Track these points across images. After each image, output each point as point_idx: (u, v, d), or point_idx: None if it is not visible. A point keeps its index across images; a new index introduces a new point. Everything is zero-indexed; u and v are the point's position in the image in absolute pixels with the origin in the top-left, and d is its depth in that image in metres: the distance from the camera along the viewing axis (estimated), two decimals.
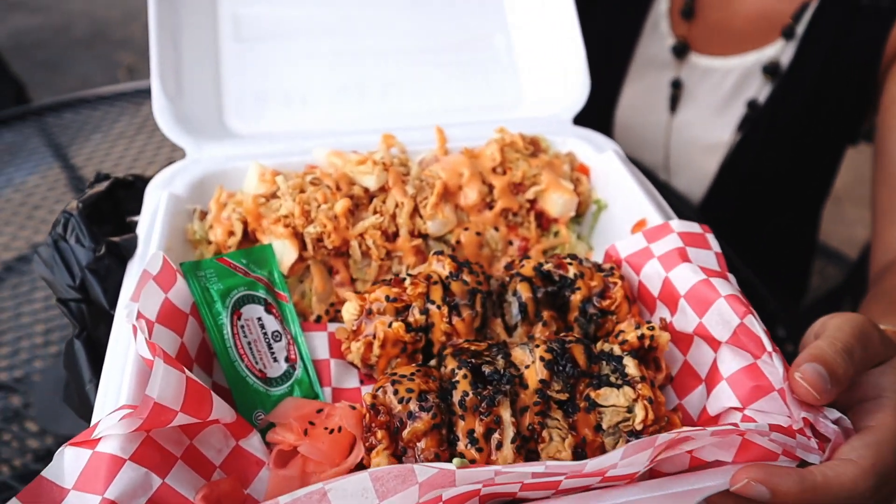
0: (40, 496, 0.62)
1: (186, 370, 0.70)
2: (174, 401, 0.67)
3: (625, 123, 1.93)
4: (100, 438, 0.66)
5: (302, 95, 1.22)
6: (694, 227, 0.90)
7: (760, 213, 1.95)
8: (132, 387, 0.72)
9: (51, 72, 6.47)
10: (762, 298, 1.53)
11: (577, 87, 1.21)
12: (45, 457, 1.40)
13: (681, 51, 1.77)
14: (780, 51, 1.67)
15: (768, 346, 0.74)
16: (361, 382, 0.88)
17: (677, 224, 0.90)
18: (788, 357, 0.77)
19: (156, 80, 1.14)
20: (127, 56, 6.91)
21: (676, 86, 1.81)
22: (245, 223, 0.92)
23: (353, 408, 0.79)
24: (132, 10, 7.54)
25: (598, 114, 1.92)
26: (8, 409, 1.48)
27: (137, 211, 1.04)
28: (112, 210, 1.03)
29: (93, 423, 0.71)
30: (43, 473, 0.65)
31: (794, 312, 2.30)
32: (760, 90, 1.71)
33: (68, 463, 0.65)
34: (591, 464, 0.61)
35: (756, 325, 0.76)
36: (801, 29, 1.64)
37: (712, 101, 1.80)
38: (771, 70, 1.68)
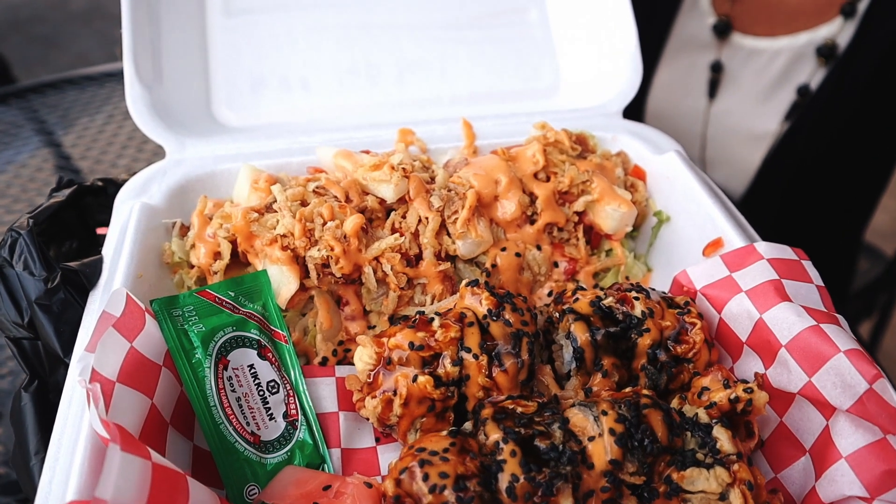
0: None
1: (154, 454, 0.53)
2: (136, 498, 0.50)
3: (658, 110, 1.76)
4: None
5: (303, 79, 1.04)
6: (787, 253, 0.73)
7: (807, 210, 1.80)
8: (83, 473, 0.55)
9: (48, 47, 6.32)
10: None
11: (627, 72, 1.04)
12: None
13: (723, 30, 1.61)
14: (838, 30, 1.50)
15: None
16: (377, 441, 0.71)
17: (765, 248, 0.73)
18: None
19: (128, 62, 0.95)
20: None
21: (717, 69, 1.64)
22: (234, 243, 0.75)
23: (369, 485, 0.62)
24: None
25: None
26: None
27: (103, 221, 0.87)
28: (78, 221, 0.86)
29: None
30: None
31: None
32: (813, 75, 1.55)
33: None
34: None
35: (890, 392, 0.59)
36: (862, 6, 1.47)
37: (757, 86, 1.63)
38: (826, 52, 1.51)
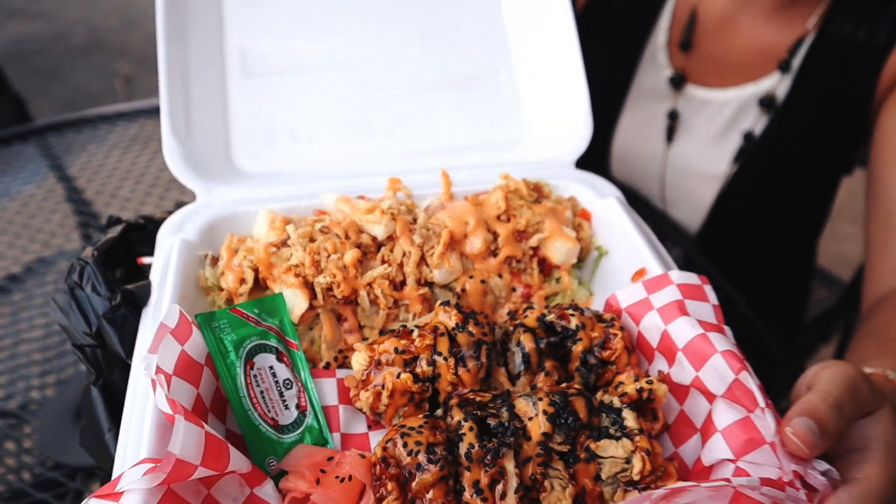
0: None
1: (205, 425, 0.73)
2: (195, 456, 0.71)
3: (622, 154, 1.97)
4: (123, 492, 0.69)
5: (308, 132, 1.25)
6: (693, 279, 0.94)
7: (757, 244, 1.99)
8: (152, 441, 0.75)
9: (49, 79, 6.51)
10: (758, 334, 1.57)
11: (579, 130, 1.24)
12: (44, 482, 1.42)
13: (678, 82, 1.81)
14: (776, 84, 1.71)
15: (761, 401, 0.78)
16: (369, 428, 0.91)
17: (677, 275, 0.94)
18: (781, 410, 0.81)
19: (166, 121, 1.15)
20: (124, 65, 6.93)
21: (673, 117, 1.85)
22: (256, 271, 0.95)
23: (363, 456, 0.82)
24: (130, 19, 7.56)
25: (596, 144, 1.95)
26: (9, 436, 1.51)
27: (148, 252, 1.07)
28: (124, 253, 1.06)
29: (114, 474, 0.74)
30: None
31: (791, 347, 2.34)
32: (756, 122, 1.76)
33: None
34: None
35: (750, 381, 0.80)
36: (796, 62, 1.68)
37: (709, 132, 1.84)
38: (767, 103, 1.72)
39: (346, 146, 1.26)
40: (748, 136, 1.77)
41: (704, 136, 1.86)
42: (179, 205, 1.11)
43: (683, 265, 1.86)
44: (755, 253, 2.03)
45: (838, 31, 1.63)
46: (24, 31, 7.44)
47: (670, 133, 1.88)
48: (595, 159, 1.97)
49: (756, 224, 1.92)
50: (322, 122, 1.26)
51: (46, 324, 1.76)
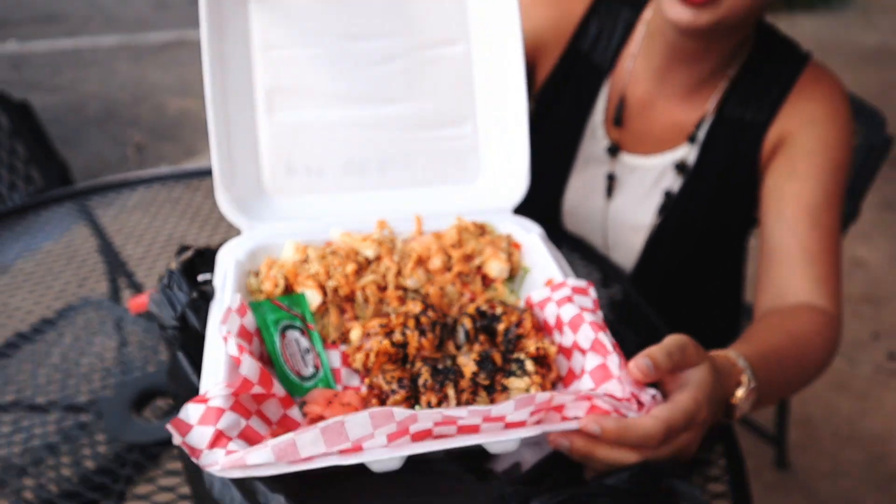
0: (179, 426, 1.11)
1: (259, 361, 1.21)
2: (254, 378, 1.17)
3: (571, 209, 2.44)
4: (209, 398, 1.16)
5: (318, 167, 1.62)
6: (582, 283, 1.42)
7: (685, 284, 2.45)
8: (226, 372, 1.22)
9: (65, 147, 7.02)
10: None
11: (519, 183, 1.69)
12: (116, 460, 1.88)
13: (613, 151, 2.28)
14: (687, 152, 2.19)
15: (612, 350, 1.25)
16: (361, 382, 1.38)
17: (572, 281, 1.42)
18: None
19: (217, 171, 1.50)
20: (136, 134, 7.47)
21: (611, 178, 2.31)
22: (286, 279, 1.44)
23: (357, 393, 1.30)
24: (141, 92, 8.14)
25: (550, 201, 2.44)
26: (81, 423, 1.97)
27: (204, 270, 1.56)
28: (188, 271, 1.55)
29: (201, 393, 1.21)
30: (178, 417, 1.14)
31: None
32: (674, 182, 2.24)
33: (191, 411, 1.13)
34: (495, 409, 1.11)
35: (605, 338, 1.26)
36: (701, 135, 2.18)
37: (639, 190, 2.31)
38: (681, 167, 2.21)
39: (347, 186, 1.66)
40: (668, 194, 2.24)
41: (635, 194, 2.31)
42: (224, 241, 1.60)
43: (622, 299, 2.36)
44: (684, 292, 2.47)
45: (731, 112, 2.12)
46: (42, 103, 7.98)
47: (609, 191, 2.31)
48: (549, 214, 2.48)
49: (681, 266, 2.39)
50: (328, 161, 1.64)
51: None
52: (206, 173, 3.07)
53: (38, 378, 2.14)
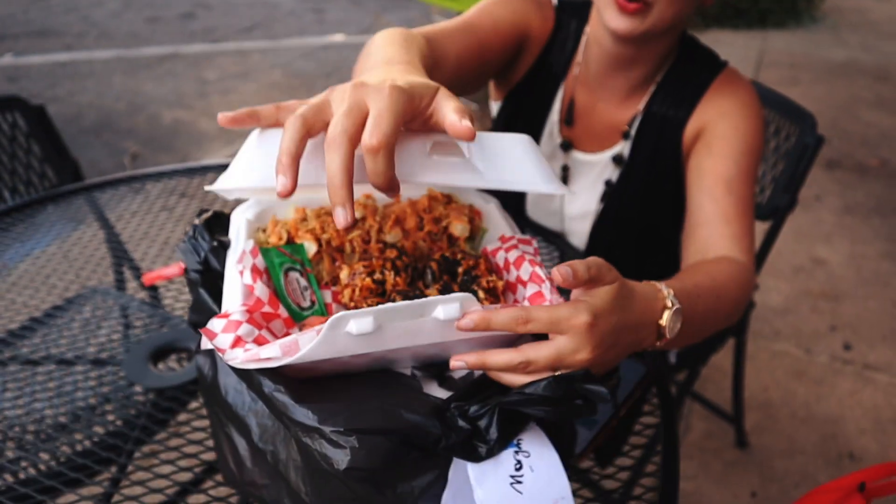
0: (208, 333, 1.44)
1: (268, 287, 1.54)
2: (265, 299, 1.51)
3: (533, 199, 2.81)
4: (229, 314, 1.48)
5: None
6: (526, 237, 1.76)
7: (629, 263, 2.80)
8: (242, 297, 1.55)
9: None
10: None
11: None
12: (146, 404, 2.20)
13: (566, 147, 2.67)
14: (623, 147, 2.58)
15: (545, 279, 1.59)
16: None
17: (519, 236, 1.77)
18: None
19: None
20: (131, 144, 7.76)
21: (565, 170, 2.70)
22: (289, 233, 1.78)
23: None
24: (137, 103, 8.43)
25: (515, 194, 2.80)
26: (108, 374, 2.29)
27: (219, 232, 1.89)
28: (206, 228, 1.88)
29: (222, 312, 1.54)
30: (206, 327, 1.46)
31: (684, 359, 3.11)
32: (613, 173, 2.62)
33: (216, 323, 1.43)
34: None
35: (540, 271, 1.61)
36: (633, 131, 2.55)
37: (587, 181, 2.69)
38: (618, 160, 2.59)
39: None
40: (608, 183, 2.62)
41: (584, 184, 2.69)
42: (238, 202, 1.94)
43: None
44: (631, 270, 2.84)
45: (657, 110, 2.50)
46: None
47: (564, 182, 2.71)
48: (514, 204, 2.83)
49: (623, 248, 2.75)
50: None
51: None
52: (208, 169, 3.41)
53: (61, 340, 2.46)
